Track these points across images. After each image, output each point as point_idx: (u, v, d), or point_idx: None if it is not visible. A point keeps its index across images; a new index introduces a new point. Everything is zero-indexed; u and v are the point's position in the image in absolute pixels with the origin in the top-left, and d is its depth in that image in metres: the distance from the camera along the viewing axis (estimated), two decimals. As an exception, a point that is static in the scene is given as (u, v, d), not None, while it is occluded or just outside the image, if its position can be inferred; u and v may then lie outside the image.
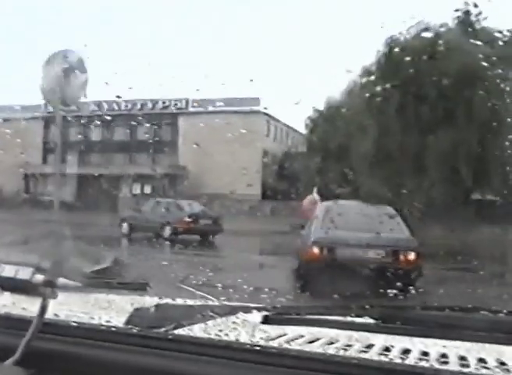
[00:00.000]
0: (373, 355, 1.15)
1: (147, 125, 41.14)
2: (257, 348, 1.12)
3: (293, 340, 1.25)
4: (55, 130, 42.49)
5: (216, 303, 1.61)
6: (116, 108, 41.72)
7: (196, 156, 37.10)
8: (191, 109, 41.04)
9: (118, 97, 35.02)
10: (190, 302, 1.58)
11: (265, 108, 39.54)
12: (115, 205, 35.38)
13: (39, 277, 1.22)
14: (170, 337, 1.19)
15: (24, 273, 1.24)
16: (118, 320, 1.29)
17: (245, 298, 2.63)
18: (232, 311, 1.43)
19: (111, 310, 1.43)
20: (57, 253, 1.37)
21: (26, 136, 38.68)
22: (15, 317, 1.28)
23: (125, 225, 21.98)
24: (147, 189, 39.04)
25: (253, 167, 37.39)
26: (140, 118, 41.13)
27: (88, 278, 1.54)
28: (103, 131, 42.67)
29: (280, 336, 1.27)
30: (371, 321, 1.35)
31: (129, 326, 1.23)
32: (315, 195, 11.10)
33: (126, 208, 27.70)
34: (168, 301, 1.57)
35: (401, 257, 9.75)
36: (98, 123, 42.25)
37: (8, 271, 1.26)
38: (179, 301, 1.59)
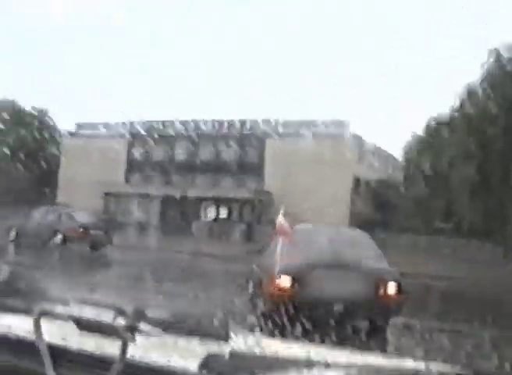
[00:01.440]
0: None
1: (234, 146, 39.84)
2: None
3: None
4: (138, 149, 42.80)
5: (298, 357, 1.34)
6: (203, 127, 40.82)
7: (282, 181, 35.31)
8: (280, 131, 39.49)
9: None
10: (270, 353, 1.40)
11: (356, 133, 37.46)
12: (189, 228, 34.33)
13: (121, 321, 1.21)
14: None
15: (106, 316, 1.21)
16: (193, 366, 1.24)
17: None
18: (319, 368, 1.25)
19: (187, 355, 1.32)
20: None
21: (109, 154, 38.37)
22: (95, 356, 1.29)
23: (13, 232, 22.16)
24: (230, 213, 37.63)
25: (342, 195, 35.40)
26: (226, 139, 39.97)
27: (168, 324, 1.48)
28: (188, 151, 41.75)
29: None
30: None
31: (201, 373, 1.20)
32: (281, 218, 9.41)
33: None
34: (247, 349, 1.40)
35: (381, 290, 8.50)
36: (183, 142, 41.50)
37: (90, 312, 1.24)
38: (258, 350, 1.41)
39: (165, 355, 1.33)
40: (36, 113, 47.73)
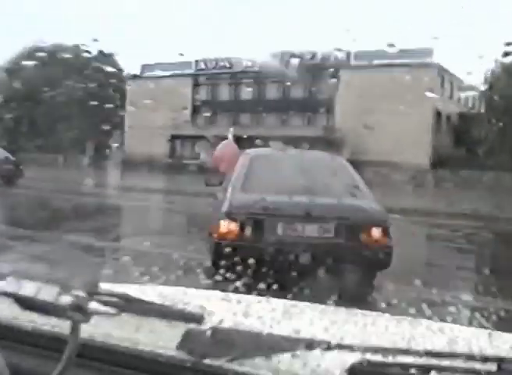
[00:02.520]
0: None
1: (302, 81, 37.63)
2: None
3: None
4: (204, 89, 41.45)
5: (293, 335, 1.21)
6: (270, 62, 38.81)
7: (355, 117, 32.96)
8: (353, 63, 36.93)
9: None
10: (256, 330, 1.23)
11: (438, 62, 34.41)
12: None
13: (66, 300, 1.06)
14: (228, 372, 1.06)
15: (47, 294, 1.09)
16: (166, 349, 1.12)
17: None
18: (312, 345, 1.13)
19: (158, 337, 1.18)
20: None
21: (175, 95, 37.15)
22: (48, 336, 1.17)
23: None
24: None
25: (422, 130, 32.84)
26: (295, 73, 37.79)
27: (126, 301, 1.23)
28: (255, 89, 39.92)
29: None
30: None
31: (179, 354, 1.09)
32: (231, 138, 7.30)
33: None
34: (229, 326, 1.24)
35: (362, 235, 6.37)
36: (251, 80, 39.72)
37: (28, 289, 1.11)
38: (243, 327, 1.25)
39: (131, 335, 1.18)
40: (102, 57, 47.08)
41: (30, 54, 42.52)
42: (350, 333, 1.24)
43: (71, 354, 1.05)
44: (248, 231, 6.41)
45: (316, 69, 36.67)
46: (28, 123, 43.44)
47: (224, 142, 8.57)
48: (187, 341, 1.12)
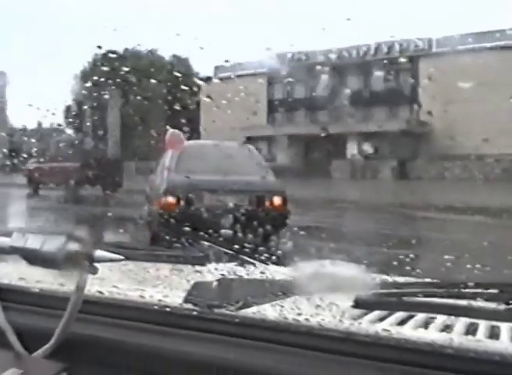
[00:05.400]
0: (498, 346, 0.96)
1: (382, 72, 36.24)
2: (348, 336, 0.99)
3: (393, 326, 1.08)
4: (279, 87, 40.65)
5: (294, 279, 1.28)
6: (346, 55, 37.64)
7: (442, 109, 31.18)
8: (435, 50, 35.12)
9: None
10: (259, 278, 1.37)
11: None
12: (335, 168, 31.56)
13: (71, 248, 1.06)
14: (236, 319, 1.07)
15: (53, 244, 1.06)
16: (172, 300, 1.15)
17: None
18: (313, 290, 1.19)
19: (163, 287, 1.27)
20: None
21: (249, 95, 36.50)
22: (52, 295, 1.19)
23: None
24: (379, 149, 34.26)
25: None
26: (373, 65, 36.54)
27: (133, 249, 1.34)
28: (331, 83, 38.81)
29: (376, 322, 1.11)
30: (497, 307, 1.07)
31: (186, 306, 1.11)
32: (172, 131, 9.11)
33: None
34: (233, 276, 1.37)
35: (267, 202, 9.14)
36: (326, 73, 38.64)
37: (34, 242, 1.09)
38: (246, 276, 1.38)
39: (135, 287, 1.23)
40: (176, 61, 47.32)
41: (103, 59, 43.03)
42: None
43: (75, 307, 1.06)
44: (182, 202, 8.78)
45: (395, 60, 35.28)
46: (102, 129, 44.05)
47: (171, 132, 9.95)
48: (194, 293, 1.14)
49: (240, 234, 7.53)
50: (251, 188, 9.07)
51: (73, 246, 1.05)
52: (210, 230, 5.43)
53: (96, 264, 1.05)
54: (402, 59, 35.24)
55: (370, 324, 1.07)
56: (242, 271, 1.41)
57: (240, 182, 8.79)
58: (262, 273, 1.37)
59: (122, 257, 1.14)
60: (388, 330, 1.01)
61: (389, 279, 1.33)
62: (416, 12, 45.20)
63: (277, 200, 9.11)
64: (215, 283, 1.21)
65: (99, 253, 1.07)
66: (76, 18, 58.88)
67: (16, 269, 1.27)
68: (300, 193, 20.78)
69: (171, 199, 8.76)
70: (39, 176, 22.82)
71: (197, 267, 1.32)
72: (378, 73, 36.89)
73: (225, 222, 8.22)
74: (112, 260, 1.11)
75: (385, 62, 36.10)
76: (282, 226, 8.89)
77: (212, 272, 1.31)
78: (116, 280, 1.25)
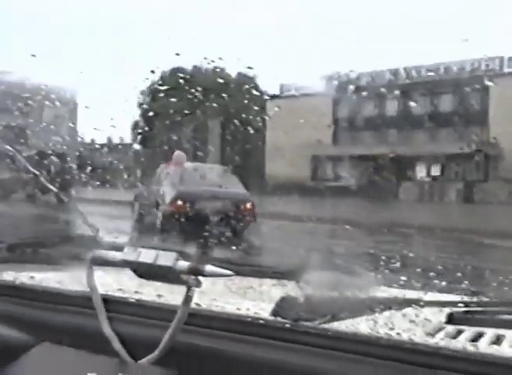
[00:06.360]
0: None
1: (452, 93, 35.60)
2: (437, 351, 1.02)
3: (484, 343, 1.10)
4: (346, 106, 40.45)
5: (385, 295, 1.35)
6: (415, 75, 37.14)
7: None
8: (507, 70, 34.30)
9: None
10: (349, 294, 1.33)
11: None
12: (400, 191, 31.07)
13: (183, 264, 1.14)
14: (329, 332, 1.10)
15: (165, 259, 1.15)
16: (265, 311, 1.21)
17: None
18: (405, 304, 1.24)
19: (260, 300, 1.33)
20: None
21: (315, 114, 36.49)
22: (154, 306, 1.26)
23: None
24: (446, 171, 33.60)
25: None
26: (443, 85, 35.90)
27: (238, 265, 1.38)
28: (400, 104, 38.38)
29: (467, 338, 1.12)
30: None
31: (276, 319, 1.16)
32: (178, 152, 14.15)
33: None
34: (324, 291, 1.33)
35: (241, 206, 13.21)
36: (396, 94, 38.22)
37: (147, 256, 1.17)
38: (336, 292, 1.34)
39: (234, 301, 1.29)
40: (243, 79, 47.58)
41: (170, 77, 43.81)
42: (438, 293, 1.38)
43: (181, 321, 1.11)
44: (186, 205, 12.54)
45: (465, 80, 34.59)
46: (171, 145, 44.68)
47: (177, 153, 14.63)
48: (282, 306, 1.17)
49: (223, 228, 11.04)
50: (231, 197, 13.30)
51: (184, 262, 1.13)
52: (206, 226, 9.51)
53: (201, 278, 1.13)
54: (472, 79, 34.56)
55: (461, 340, 1.10)
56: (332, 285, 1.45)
57: (224, 193, 13.03)
58: (345, 287, 1.40)
59: (230, 272, 1.19)
60: (477, 346, 1.05)
61: (478, 297, 1.36)
62: (488, 31, 44.35)
63: (248, 205, 13.37)
64: (302, 298, 1.23)
65: (209, 268, 1.14)
66: (142, 31, 60.43)
67: (117, 280, 1.35)
68: (364, 215, 20.60)
69: (180, 203, 12.66)
70: None
71: (301, 286, 1.35)
72: (447, 94, 36.29)
73: (214, 218, 11.43)
74: (221, 275, 1.17)
75: (454, 82, 35.50)
76: (251, 222, 13.09)
77: (309, 287, 1.32)
78: (216, 293, 1.31)
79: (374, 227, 17.35)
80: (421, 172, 34.39)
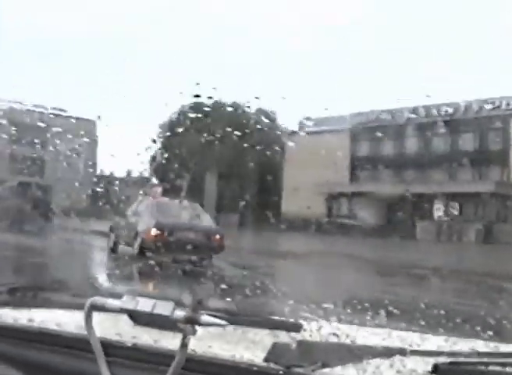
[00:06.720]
0: None
1: (472, 131, 35.25)
2: None
3: None
4: (363, 144, 40.20)
5: (374, 344, 1.36)
6: (435, 113, 36.87)
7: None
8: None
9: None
10: (340, 341, 1.40)
11: None
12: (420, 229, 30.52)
13: (180, 313, 1.17)
14: None
15: (163, 308, 1.19)
16: (259, 358, 1.24)
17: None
18: (395, 353, 1.29)
19: (253, 347, 1.34)
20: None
21: (332, 151, 36.25)
22: (152, 351, 1.29)
23: None
24: (464, 211, 33.01)
25: None
26: (462, 124, 35.62)
27: (233, 315, 1.45)
28: (419, 142, 38.08)
29: None
30: None
31: (269, 365, 1.19)
32: (156, 187, 16.71)
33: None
34: (318, 338, 1.40)
35: (212, 237, 15.07)
36: (415, 132, 37.99)
37: (145, 305, 1.21)
38: (328, 339, 1.41)
39: (229, 348, 1.32)
40: (262, 114, 47.58)
41: (189, 111, 43.92)
42: (423, 340, 1.40)
43: (178, 366, 1.14)
44: (163, 235, 14.21)
45: (485, 119, 34.25)
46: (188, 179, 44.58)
47: (155, 188, 17.21)
48: (274, 352, 1.20)
49: (195, 256, 13.94)
50: (202, 229, 15.26)
51: (181, 311, 1.14)
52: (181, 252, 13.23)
53: (198, 327, 1.14)
54: (493, 118, 34.23)
55: None
56: (322, 333, 1.44)
57: (196, 225, 15.17)
58: (336, 334, 1.41)
59: (225, 322, 1.20)
60: None
61: (467, 346, 1.36)
62: (509, 70, 44.13)
63: (218, 236, 15.18)
64: (294, 344, 1.25)
65: (204, 318, 1.15)
66: (163, 68, 60.94)
67: (115, 325, 1.36)
68: (378, 255, 20.09)
69: (159, 232, 14.32)
70: None
71: (293, 334, 1.36)
72: (468, 133, 35.94)
73: (188, 246, 12.72)
74: (216, 325, 1.18)
75: (475, 121, 35.15)
76: (220, 251, 14.88)
77: (297, 337, 1.34)
78: (212, 339, 1.32)
79: (386, 267, 16.88)
80: (439, 211, 33.80)
